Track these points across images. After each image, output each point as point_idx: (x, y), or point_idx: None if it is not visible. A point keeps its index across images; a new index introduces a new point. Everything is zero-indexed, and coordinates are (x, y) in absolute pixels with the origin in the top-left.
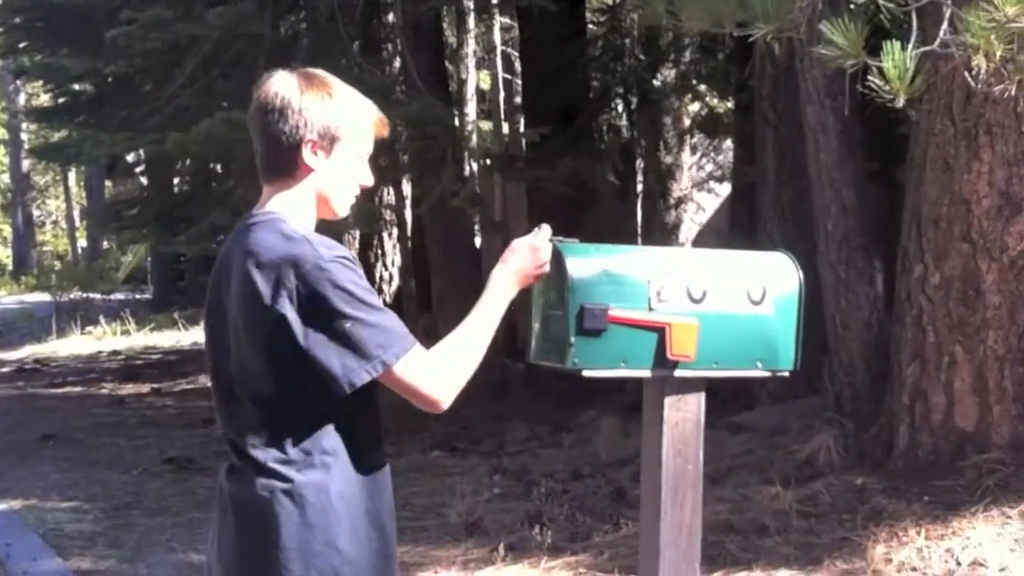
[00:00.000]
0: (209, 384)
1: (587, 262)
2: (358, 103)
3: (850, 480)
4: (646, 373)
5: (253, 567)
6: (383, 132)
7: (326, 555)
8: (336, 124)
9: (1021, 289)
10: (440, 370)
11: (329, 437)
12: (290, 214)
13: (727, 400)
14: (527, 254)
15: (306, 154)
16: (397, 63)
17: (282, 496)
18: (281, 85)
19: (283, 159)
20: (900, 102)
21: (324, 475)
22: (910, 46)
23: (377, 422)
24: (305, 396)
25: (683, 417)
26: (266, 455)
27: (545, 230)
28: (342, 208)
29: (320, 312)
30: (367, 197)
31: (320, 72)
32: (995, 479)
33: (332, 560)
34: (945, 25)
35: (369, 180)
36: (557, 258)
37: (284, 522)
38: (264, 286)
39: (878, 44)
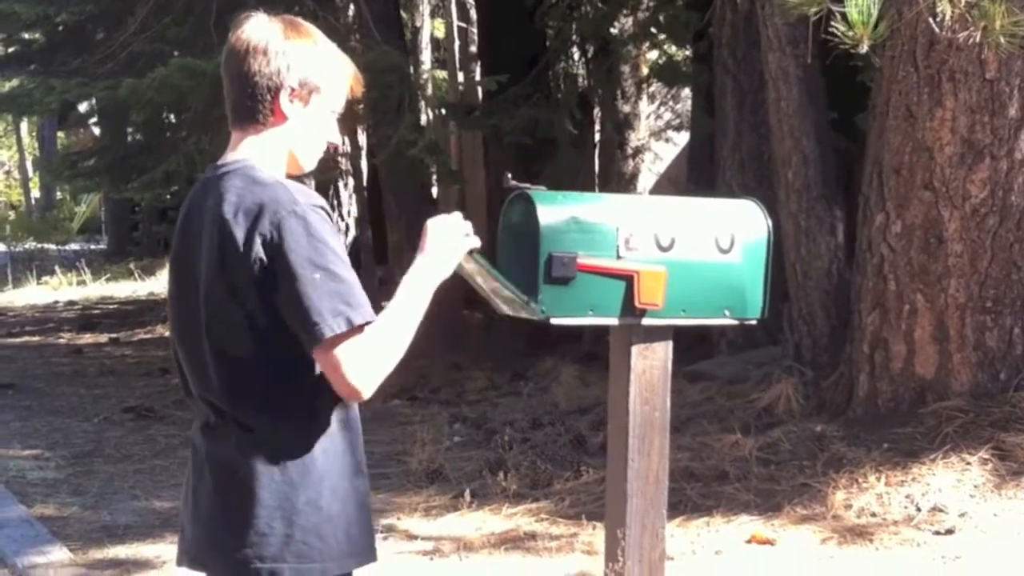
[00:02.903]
0: (167, 334)
1: (556, 210)
2: (338, 57)
3: (810, 428)
4: (614, 321)
5: (235, 526)
6: (358, 91)
7: (308, 513)
8: (317, 74)
9: (983, 237)
10: (370, 362)
11: (309, 391)
12: (261, 162)
13: (686, 349)
14: (445, 230)
15: (283, 100)
16: (351, 11)
17: (264, 454)
18: (264, 27)
19: (259, 103)
20: (864, 48)
21: (307, 432)
22: None
23: None
24: (281, 349)
25: (650, 365)
26: (246, 412)
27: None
28: (308, 163)
29: (291, 261)
30: None
31: (301, 20)
32: (954, 426)
33: (314, 518)
34: None
35: (337, 138)
36: (528, 205)
37: (266, 481)
38: (240, 232)
39: None
